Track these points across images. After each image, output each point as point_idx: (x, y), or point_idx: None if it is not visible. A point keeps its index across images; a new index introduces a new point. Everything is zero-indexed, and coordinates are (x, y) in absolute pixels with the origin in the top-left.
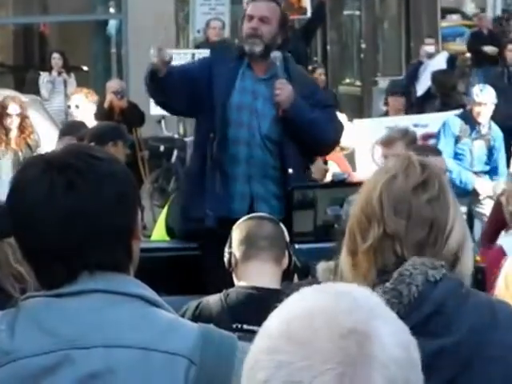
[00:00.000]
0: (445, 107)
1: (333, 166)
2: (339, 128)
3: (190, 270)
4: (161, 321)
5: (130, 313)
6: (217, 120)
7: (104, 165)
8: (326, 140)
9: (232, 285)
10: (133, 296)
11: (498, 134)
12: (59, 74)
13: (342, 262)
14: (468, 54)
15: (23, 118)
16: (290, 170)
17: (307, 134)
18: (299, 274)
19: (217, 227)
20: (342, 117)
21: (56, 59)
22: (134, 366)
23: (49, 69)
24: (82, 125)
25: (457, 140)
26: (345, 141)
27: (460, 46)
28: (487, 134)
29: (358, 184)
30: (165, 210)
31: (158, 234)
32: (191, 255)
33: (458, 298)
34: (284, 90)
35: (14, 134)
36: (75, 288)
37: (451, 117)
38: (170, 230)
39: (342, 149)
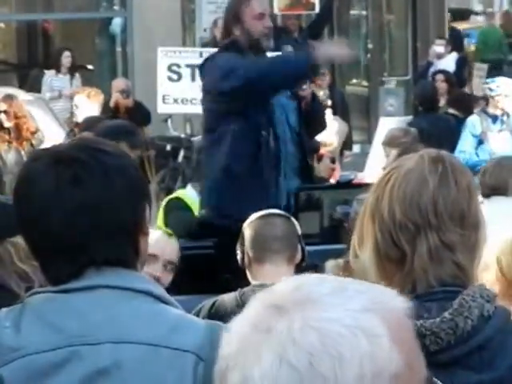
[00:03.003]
0: (452, 107)
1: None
2: None
3: (203, 269)
4: (169, 317)
5: (138, 309)
6: (266, 118)
7: (111, 159)
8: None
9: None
10: (140, 292)
11: None
12: (66, 72)
13: (370, 266)
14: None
15: (16, 117)
16: (310, 161)
17: (321, 123)
18: (306, 273)
19: None
20: (327, 113)
21: (67, 57)
22: (141, 362)
23: (55, 67)
24: (98, 120)
25: (481, 140)
26: (328, 136)
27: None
28: (509, 123)
29: (365, 185)
30: (160, 217)
31: None
32: (204, 254)
33: (504, 334)
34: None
35: (17, 131)
36: (82, 283)
37: (471, 116)
38: None
39: (325, 145)
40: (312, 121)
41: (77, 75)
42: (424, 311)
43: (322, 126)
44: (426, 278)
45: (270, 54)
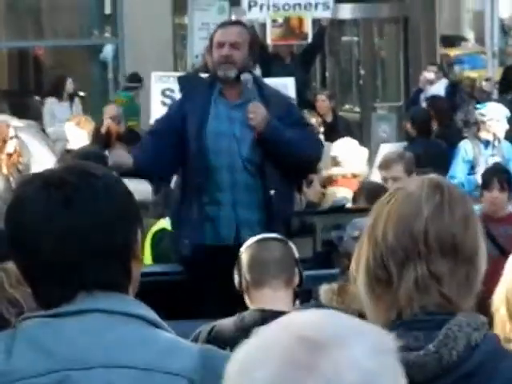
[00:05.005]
0: (443, 135)
1: (348, 194)
2: (318, 146)
3: (174, 294)
4: (161, 341)
5: (130, 333)
6: (192, 148)
7: (101, 182)
8: (305, 159)
9: (220, 310)
10: (132, 316)
11: (507, 146)
12: (67, 99)
13: (360, 286)
14: (484, 82)
15: (18, 139)
16: (272, 192)
17: (286, 154)
18: (302, 298)
19: (200, 254)
20: (353, 143)
21: (71, 84)
22: None
23: (55, 94)
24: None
25: (473, 165)
26: (357, 167)
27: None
28: (500, 148)
29: (358, 210)
30: (147, 250)
31: None
32: (175, 280)
33: (493, 360)
34: (257, 112)
35: (3, 157)
36: (73, 307)
37: (463, 141)
38: None
39: (355, 176)
40: (273, 150)
41: (76, 101)
42: (412, 339)
43: (295, 158)
44: (411, 306)
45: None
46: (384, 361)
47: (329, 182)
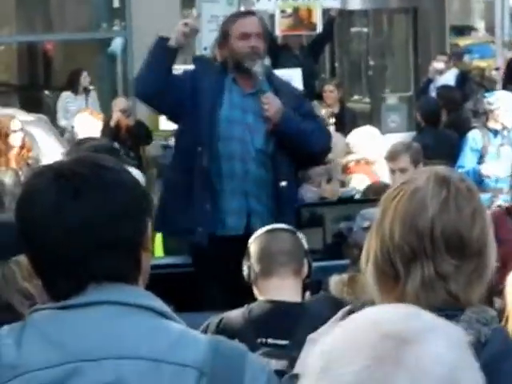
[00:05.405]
0: (452, 125)
1: (363, 180)
2: (328, 137)
3: (185, 286)
4: (171, 332)
5: (140, 324)
6: (204, 133)
7: (111, 174)
8: (319, 150)
9: (228, 302)
10: (142, 307)
11: None
12: (82, 92)
13: (369, 278)
14: (494, 72)
15: (25, 134)
16: (283, 183)
17: (300, 146)
18: (311, 289)
19: (209, 244)
20: (373, 131)
21: (86, 77)
22: (144, 378)
23: (70, 88)
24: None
25: (482, 155)
26: (372, 154)
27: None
28: (509, 138)
29: (367, 201)
30: (159, 242)
31: None
32: (186, 272)
33: (498, 360)
34: (272, 104)
35: (13, 151)
36: (83, 299)
37: (472, 131)
38: None
39: (368, 162)
40: (287, 141)
41: (92, 94)
42: None
43: (308, 150)
44: (418, 304)
45: (259, 77)
46: (464, 355)
47: (344, 170)
